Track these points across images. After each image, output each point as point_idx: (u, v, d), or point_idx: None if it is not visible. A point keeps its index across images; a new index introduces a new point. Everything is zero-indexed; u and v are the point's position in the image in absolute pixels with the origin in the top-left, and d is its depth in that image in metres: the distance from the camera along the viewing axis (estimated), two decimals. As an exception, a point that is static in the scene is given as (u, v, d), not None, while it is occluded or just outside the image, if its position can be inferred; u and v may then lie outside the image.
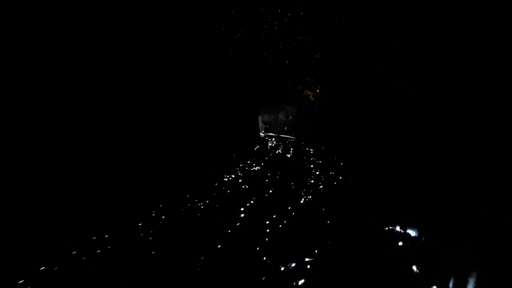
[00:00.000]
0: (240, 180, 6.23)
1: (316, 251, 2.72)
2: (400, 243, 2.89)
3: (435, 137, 4.63)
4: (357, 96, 9.89)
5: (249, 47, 10.21)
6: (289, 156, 11.11)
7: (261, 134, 27.42)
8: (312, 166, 8.37)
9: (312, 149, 13.71)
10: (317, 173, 7.15)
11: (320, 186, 5.89)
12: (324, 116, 16.09)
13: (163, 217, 3.99)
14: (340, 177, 6.74)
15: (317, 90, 17.20)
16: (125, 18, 4.92)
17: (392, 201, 4.46)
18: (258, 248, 2.92)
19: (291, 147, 14.82)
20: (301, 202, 4.53)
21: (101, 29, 4.39)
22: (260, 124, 30.22)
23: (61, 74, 3.72)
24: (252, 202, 4.64)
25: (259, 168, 8.23)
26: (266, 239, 2.93)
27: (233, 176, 6.82)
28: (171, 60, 6.58)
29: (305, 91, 18.47)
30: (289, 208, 4.11)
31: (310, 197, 4.88)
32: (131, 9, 5.05)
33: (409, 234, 3.05)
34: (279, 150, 13.48)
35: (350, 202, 4.55)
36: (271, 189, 5.55)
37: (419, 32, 5.44)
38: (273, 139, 22.73)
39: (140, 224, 3.70)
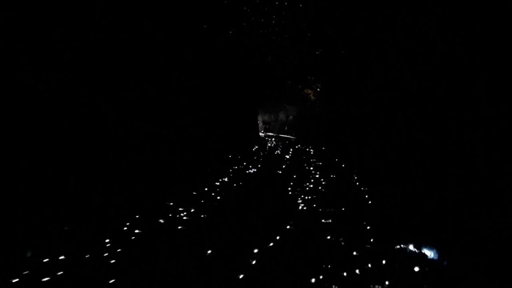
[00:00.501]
0: (235, 184, 6.21)
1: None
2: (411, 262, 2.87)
3: (435, 137, 4.62)
4: (358, 95, 9.88)
5: (246, 43, 10.16)
6: (288, 157, 11.11)
7: (261, 134, 27.42)
8: (312, 168, 8.37)
9: (312, 149, 13.70)
10: (317, 176, 7.16)
11: (320, 190, 5.88)
12: (324, 115, 16.08)
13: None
14: (342, 180, 6.73)
15: (318, 89, 17.20)
16: (125, 18, 4.92)
17: (395, 207, 4.46)
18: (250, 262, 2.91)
19: (291, 148, 14.82)
20: (299, 209, 4.52)
21: (101, 29, 4.34)
22: (260, 124, 30.21)
23: (61, 74, 3.69)
24: (243, 209, 4.62)
25: (255, 170, 8.23)
26: (253, 265, 2.90)
27: (225, 179, 6.81)
28: (170, 60, 6.58)
29: (305, 90, 18.46)
30: (285, 217, 4.09)
31: (308, 204, 4.87)
32: (131, 9, 5.05)
33: (425, 254, 3.01)
34: (278, 151, 13.48)
35: (352, 210, 4.53)
36: (267, 193, 5.54)
37: (420, 32, 5.42)
38: (273, 139, 22.71)
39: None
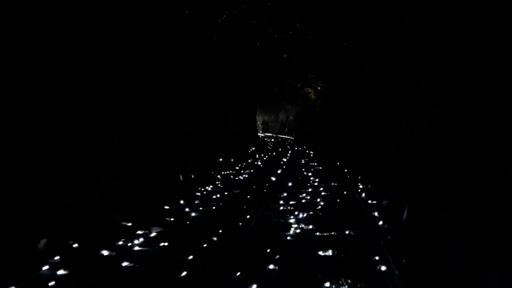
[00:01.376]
0: (218, 195, 5.26)
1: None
2: None
3: (444, 140, 3.67)
4: (360, 94, 8.93)
5: (239, 35, 9.19)
6: (285, 160, 10.12)
7: (260, 135, 26.52)
8: (310, 174, 7.39)
9: (312, 151, 12.74)
10: (316, 183, 6.17)
11: (318, 203, 4.90)
12: (325, 115, 15.14)
13: (108, 247, 3.04)
14: (344, 191, 5.75)
15: (318, 88, 16.21)
16: (125, 19, 4.54)
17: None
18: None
19: (289, 150, 13.86)
20: (290, 232, 3.54)
21: (101, 30, 4.03)
22: (259, 125, 29.33)
23: (61, 74, 3.41)
24: (217, 234, 3.61)
25: (246, 176, 7.26)
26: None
27: (210, 188, 5.88)
28: (162, 63, 5.79)
29: (305, 89, 17.49)
30: (270, 247, 3.08)
31: (303, 225, 3.85)
32: (133, 10, 4.71)
33: None
34: (275, 153, 12.52)
35: (358, 234, 3.55)
36: (253, 210, 4.52)
37: (425, 29, 4.53)
38: (272, 140, 21.77)
39: (72, 258, 2.76)
